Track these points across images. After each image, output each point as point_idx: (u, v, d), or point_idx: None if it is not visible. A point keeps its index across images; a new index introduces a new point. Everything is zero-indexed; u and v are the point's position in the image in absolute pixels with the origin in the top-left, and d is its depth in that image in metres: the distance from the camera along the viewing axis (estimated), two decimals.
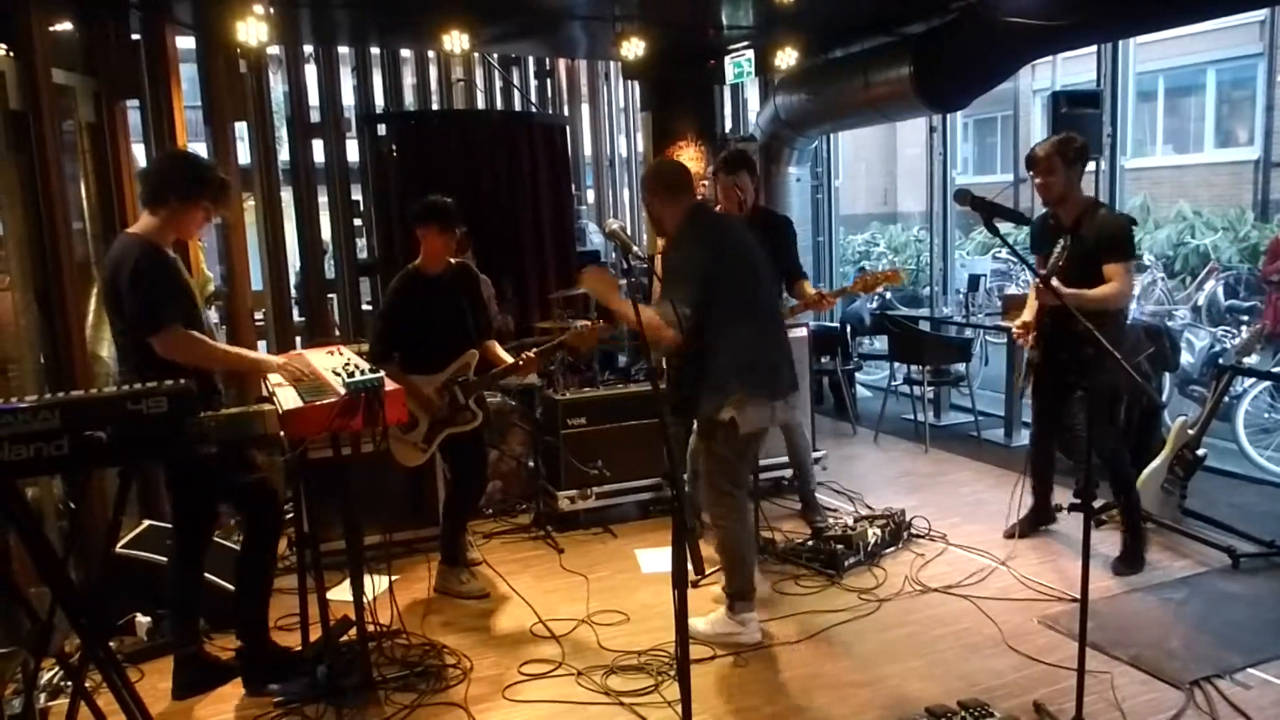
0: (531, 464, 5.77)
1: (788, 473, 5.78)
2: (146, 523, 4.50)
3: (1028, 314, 4.74)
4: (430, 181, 7.22)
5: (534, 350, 4.66)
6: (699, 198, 4.21)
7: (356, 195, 8.10)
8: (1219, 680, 3.57)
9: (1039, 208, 4.69)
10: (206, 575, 3.98)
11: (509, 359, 4.63)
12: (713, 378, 3.82)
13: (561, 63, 9.92)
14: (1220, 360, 6.66)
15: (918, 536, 5.15)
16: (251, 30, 5.67)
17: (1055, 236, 4.42)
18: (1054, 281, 4.01)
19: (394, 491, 4.93)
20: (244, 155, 7.04)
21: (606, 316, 4.80)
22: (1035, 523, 5.15)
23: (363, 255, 8.15)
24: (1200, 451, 4.99)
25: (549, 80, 9.89)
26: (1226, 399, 5.61)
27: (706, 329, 3.77)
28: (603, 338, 5.06)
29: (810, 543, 4.96)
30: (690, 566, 2.62)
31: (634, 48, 6.89)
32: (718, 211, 4.71)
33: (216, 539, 4.02)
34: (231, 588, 3.91)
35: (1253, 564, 4.62)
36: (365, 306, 8.09)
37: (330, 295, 7.96)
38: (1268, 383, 6.52)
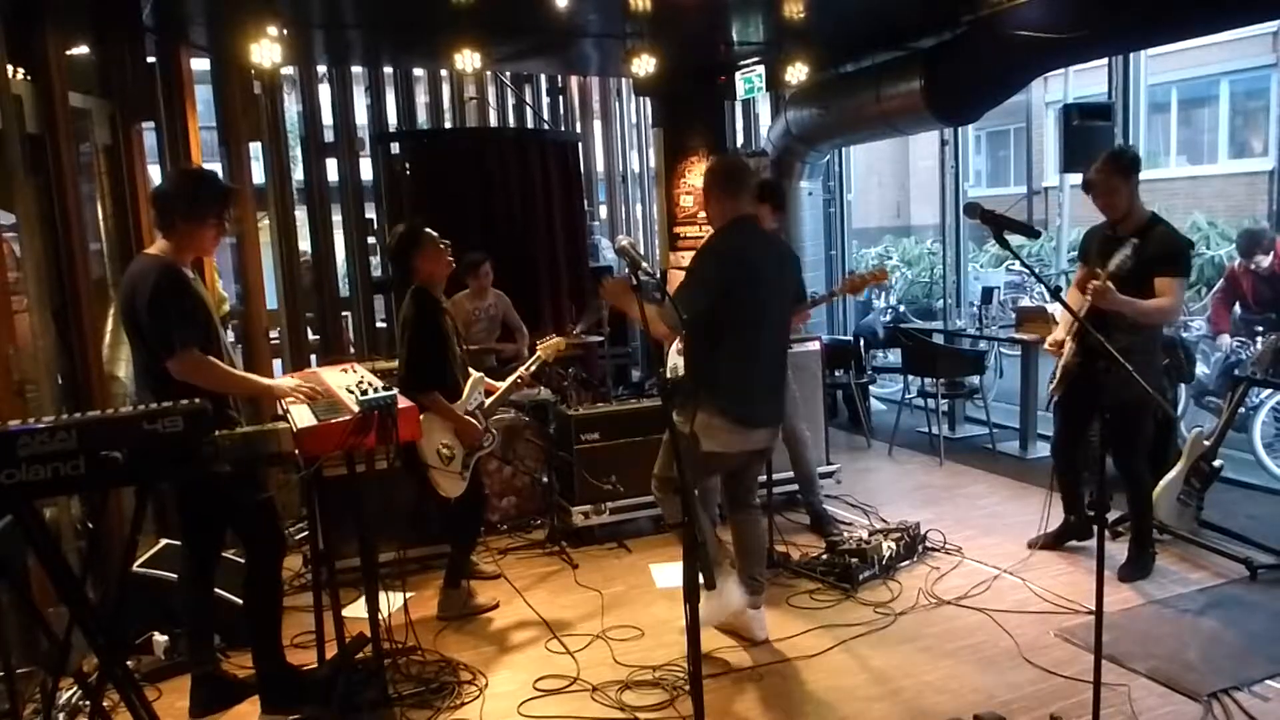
0: (545, 479, 5.77)
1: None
2: (163, 541, 4.51)
3: (1060, 331, 4.71)
4: (443, 199, 7.32)
5: (521, 372, 4.84)
6: (750, 210, 4.13)
7: (370, 213, 8.16)
8: (1237, 692, 3.54)
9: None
10: (220, 591, 4.00)
11: (494, 383, 4.77)
12: (693, 388, 3.88)
13: (573, 80, 9.98)
14: (1236, 371, 6.63)
15: (933, 550, 5.14)
16: (265, 52, 5.72)
17: (1114, 248, 4.37)
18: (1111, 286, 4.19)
19: (408, 508, 4.93)
20: (259, 175, 7.12)
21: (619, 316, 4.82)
22: (1062, 537, 5.09)
23: (376, 273, 8.21)
24: (1217, 463, 4.96)
25: (561, 97, 9.95)
26: (1242, 410, 5.57)
27: (702, 343, 3.85)
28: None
29: (825, 556, 4.95)
30: (701, 580, 2.63)
31: (645, 64, 6.92)
32: (759, 230, 4.26)
33: (229, 555, 4.03)
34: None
35: (1270, 575, 4.59)
36: (379, 324, 8.14)
37: (345, 313, 8.01)
38: None
